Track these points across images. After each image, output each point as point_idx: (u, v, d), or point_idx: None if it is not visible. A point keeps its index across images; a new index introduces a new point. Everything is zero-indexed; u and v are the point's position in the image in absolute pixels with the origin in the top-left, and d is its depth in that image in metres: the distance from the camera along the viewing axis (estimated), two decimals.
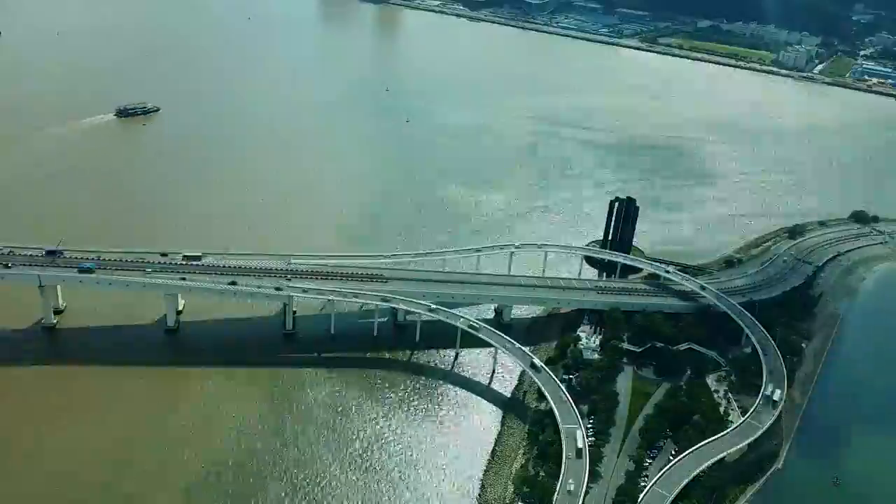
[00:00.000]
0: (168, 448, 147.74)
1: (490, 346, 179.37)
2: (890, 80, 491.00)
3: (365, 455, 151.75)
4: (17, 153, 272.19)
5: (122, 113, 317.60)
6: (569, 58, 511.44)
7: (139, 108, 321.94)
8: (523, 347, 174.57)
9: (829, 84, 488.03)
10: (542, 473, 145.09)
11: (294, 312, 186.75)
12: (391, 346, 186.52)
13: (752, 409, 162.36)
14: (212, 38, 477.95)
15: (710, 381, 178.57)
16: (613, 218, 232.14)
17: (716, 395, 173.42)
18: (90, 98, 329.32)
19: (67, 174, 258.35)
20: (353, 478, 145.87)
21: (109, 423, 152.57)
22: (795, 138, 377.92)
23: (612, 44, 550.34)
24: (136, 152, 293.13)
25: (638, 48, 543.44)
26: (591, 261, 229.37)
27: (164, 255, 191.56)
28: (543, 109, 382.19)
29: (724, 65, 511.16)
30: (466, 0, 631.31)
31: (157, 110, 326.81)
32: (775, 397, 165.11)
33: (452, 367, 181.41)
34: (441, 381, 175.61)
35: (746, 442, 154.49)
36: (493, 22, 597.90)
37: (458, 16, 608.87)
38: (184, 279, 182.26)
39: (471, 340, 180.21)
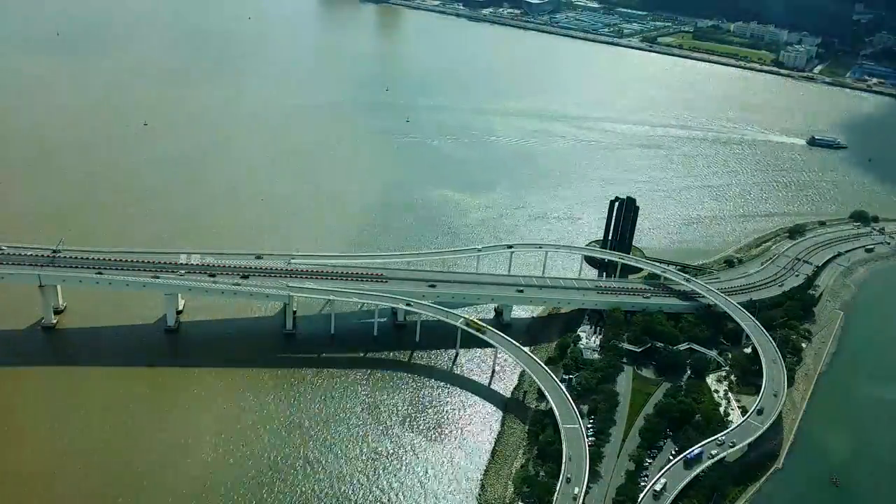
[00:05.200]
0: (168, 448, 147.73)
1: (490, 345, 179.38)
2: (890, 80, 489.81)
3: (365, 455, 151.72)
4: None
5: (813, 142, 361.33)
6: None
7: (831, 140, 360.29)
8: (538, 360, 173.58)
9: (828, 84, 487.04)
10: (542, 473, 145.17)
11: (294, 312, 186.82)
12: (391, 346, 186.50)
13: (751, 410, 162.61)
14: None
15: (710, 381, 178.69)
16: (613, 218, 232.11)
17: (716, 395, 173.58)
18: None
19: None
20: (354, 478, 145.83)
21: (109, 423, 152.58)
22: None
23: (613, 44, 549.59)
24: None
25: (639, 48, 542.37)
26: (591, 261, 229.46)
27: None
28: (544, 109, 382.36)
29: (725, 65, 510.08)
30: (466, 0, 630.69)
31: (845, 147, 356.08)
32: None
33: (452, 367, 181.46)
34: (441, 381, 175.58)
35: (746, 442, 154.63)
36: (493, 22, 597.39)
37: (457, 15, 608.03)
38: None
39: (471, 340, 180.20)
